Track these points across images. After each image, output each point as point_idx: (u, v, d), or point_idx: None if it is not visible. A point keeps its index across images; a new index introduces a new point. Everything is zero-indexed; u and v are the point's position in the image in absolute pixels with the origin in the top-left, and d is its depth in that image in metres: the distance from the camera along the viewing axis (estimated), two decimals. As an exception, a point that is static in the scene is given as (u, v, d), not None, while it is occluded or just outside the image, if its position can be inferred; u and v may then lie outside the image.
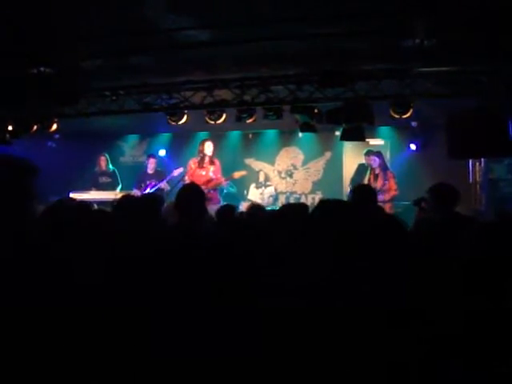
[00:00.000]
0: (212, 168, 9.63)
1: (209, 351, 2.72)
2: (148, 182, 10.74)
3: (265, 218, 5.10)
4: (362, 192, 4.85)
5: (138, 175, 11.18)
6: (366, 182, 10.00)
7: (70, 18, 6.07)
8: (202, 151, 9.66)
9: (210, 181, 9.41)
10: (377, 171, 9.99)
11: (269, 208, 9.14)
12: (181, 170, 10.02)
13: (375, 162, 10.03)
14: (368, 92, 8.20)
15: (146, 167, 11.13)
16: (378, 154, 10.13)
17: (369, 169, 10.22)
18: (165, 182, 10.43)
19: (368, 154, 10.37)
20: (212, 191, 9.17)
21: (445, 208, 5.05)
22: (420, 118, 10.01)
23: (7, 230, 2.99)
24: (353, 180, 10.69)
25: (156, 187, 10.45)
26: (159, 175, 10.80)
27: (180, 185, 9.01)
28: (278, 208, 10.18)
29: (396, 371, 2.62)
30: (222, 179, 9.78)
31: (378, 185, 9.70)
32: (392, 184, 9.75)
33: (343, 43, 6.83)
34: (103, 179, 11.16)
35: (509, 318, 2.59)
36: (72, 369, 2.94)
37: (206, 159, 9.60)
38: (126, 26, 6.31)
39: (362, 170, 10.56)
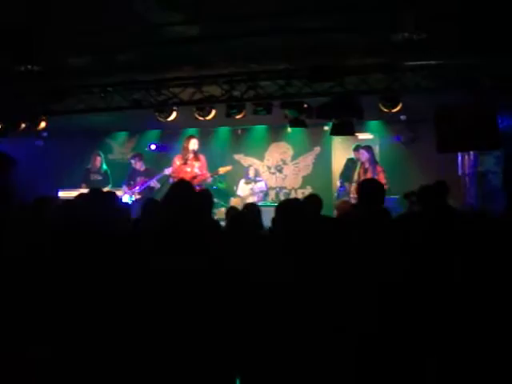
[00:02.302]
0: (197, 164, 9.60)
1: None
2: (138, 180, 10.67)
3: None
4: (370, 190, 4.73)
5: (128, 172, 11.11)
6: (355, 176, 10.01)
7: (57, 15, 6.03)
8: (186, 148, 9.64)
9: (195, 177, 9.38)
10: (366, 165, 9.97)
11: (260, 204, 9.14)
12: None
13: (364, 155, 10.01)
14: (357, 86, 8.20)
15: (135, 165, 11.03)
16: (368, 148, 10.12)
17: (358, 163, 10.22)
18: (154, 180, 10.36)
19: (357, 148, 10.37)
20: (197, 187, 9.13)
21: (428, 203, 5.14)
22: (409, 112, 10.03)
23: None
24: (342, 175, 10.70)
25: (146, 185, 10.39)
26: (149, 173, 10.73)
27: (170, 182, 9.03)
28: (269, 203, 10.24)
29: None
30: (208, 175, 9.77)
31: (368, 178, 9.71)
32: (381, 178, 9.74)
33: (332, 38, 6.83)
34: (95, 176, 11.08)
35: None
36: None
37: (191, 155, 9.56)
38: (115, 21, 6.27)
39: (350, 164, 10.56)
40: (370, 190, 4.56)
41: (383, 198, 4.52)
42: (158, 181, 10.31)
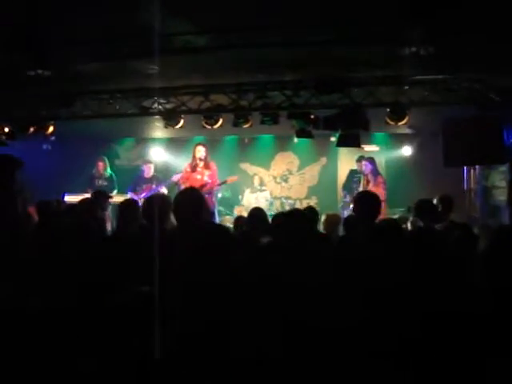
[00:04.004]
0: (207, 172, 9.64)
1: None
2: (145, 186, 10.71)
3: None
4: (366, 202, 4.73)
5: (134, 179, 11.15)
6: (360, 187, 10.06)
7: (67, 21, 6.08)
8: (193, 155, 9.72)
9: (204, 185, 9.41)
10: (369, 177, 10.04)
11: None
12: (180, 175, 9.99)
13: (367, 167, 10.08)
14: (364, 99, 8.23)
15: (143, 171, 11.11)
16: (371, 160, 10.18)
17: (361, 174, 10.27)
18: (163, 186, 10.39)
19: (360, 159, 10.42)
20: (207, 195, 9.15)
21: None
22: (416, 125, 10.05)
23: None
24: (344, 186, 10.75)
25: (153, 192, 10.41)
26: (156, 180, 10.78)
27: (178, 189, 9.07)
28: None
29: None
30: (216, 183, 9.81)
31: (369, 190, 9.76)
32: (381, 189, 9.77)
33: (340, 50, 6.86)
34: (99, 182, 11.12)
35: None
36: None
37: (201, 163, 9.62)
38: (124, 30, 6.32)
39: (352, 175, 10.61)
40: (367, 203, 4.61)
41: (379, 211, 4.58)
42: (166, 187, 10.34)
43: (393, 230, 3.85)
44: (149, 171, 11.00)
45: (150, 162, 11.25)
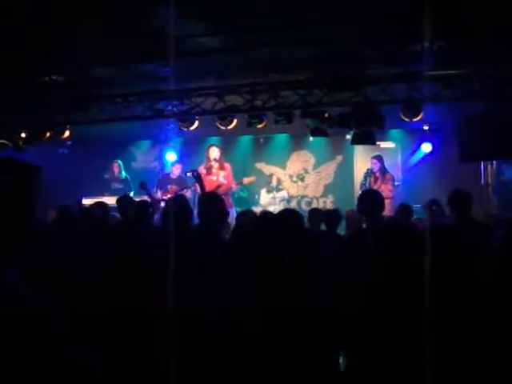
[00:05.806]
0: (222, 173, 9.65)
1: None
2: (169, 188, 10.53)
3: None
4: (368, 200, 4.75)
5: (159, 178, 11.12)
6: (367, 185, 10.05)
7: (81, 26, 6.14)
8: (207, 157, 9.73)
9: (220, 186, 9.41)
10: (377, 174, 10.02)
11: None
12: None
13: (376, 165, 10.07)
14: (377, 96, 8.20)
15: (171, 171, 11.04)
16: (379, 158, 10.16)
17: (370, 172, 10.26)
18: (188, 190, 10.25)
19: (372, 158, 10.43)
20: (223, 196, 9.14)
21: (462, 214, 5.11)
22: (431, 121, 10.00)
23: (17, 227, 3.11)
24: (361, 185, 10.72)
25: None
26: (181, 182, 10.60)
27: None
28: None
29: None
30: (233, 184, 9.80)
31: (376, 188, 9.74)
32: (389, 185, 9.75)
33: (352, 48, 6.86)
34: (116, 185, 11.13)
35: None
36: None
37: (215, 164, 9.62)
38: (137, 33, 6.37)
39: (366, 174, 10.59)
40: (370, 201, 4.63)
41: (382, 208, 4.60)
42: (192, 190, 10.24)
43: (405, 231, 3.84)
44: (176, 172, 10.89)
45: (178, 163, 11.24)
